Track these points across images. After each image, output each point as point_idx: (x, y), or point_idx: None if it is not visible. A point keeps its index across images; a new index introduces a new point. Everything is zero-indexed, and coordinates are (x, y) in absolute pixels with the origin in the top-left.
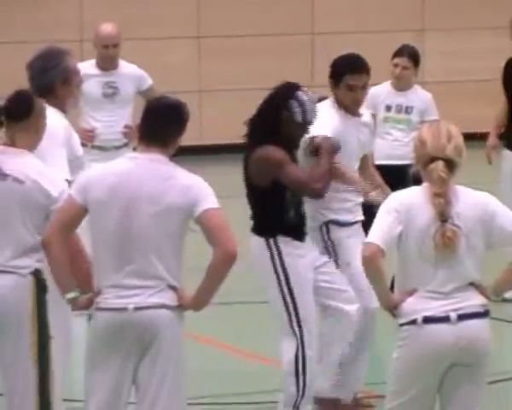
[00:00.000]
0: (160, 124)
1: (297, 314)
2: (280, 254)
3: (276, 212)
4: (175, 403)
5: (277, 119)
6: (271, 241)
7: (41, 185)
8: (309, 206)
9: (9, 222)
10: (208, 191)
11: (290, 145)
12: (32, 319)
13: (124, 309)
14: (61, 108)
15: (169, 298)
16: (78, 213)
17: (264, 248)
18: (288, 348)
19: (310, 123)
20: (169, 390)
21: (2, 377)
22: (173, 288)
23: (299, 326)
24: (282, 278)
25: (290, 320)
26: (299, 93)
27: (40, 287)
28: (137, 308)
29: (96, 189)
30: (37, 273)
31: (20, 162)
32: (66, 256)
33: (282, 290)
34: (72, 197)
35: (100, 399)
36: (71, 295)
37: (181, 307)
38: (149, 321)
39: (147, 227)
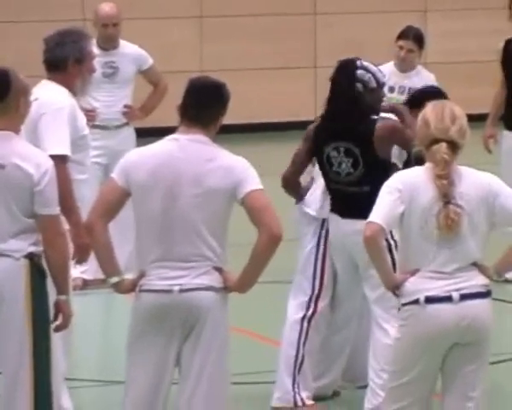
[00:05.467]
0: (201, 104)
1: None
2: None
3: None
4: (217, 383)
5: (355, 95)
6: None
7: (22, 168)
8: None
9: None
10: (251, 172)
11: (375, 114)
12: (26, 303)
13: (169, 291)
14: (70, 86)
15: (214, 280)
16: (120, 196)
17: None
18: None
19: (383, 84)
20: (213, 371)
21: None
22: (218, 269)
23: None
24: None
25: None
26: (359, 62)
27: (37, 270)
28: (182, 290)
29: (138, 171)
30: (32, 257)
31: (1, 146)
32: (109, 240)
33: None
34: (114, 180)
35: (142, 380)
36: (114, 279)
37: (226, 289)
38: (194, 303)
39: (190, 209)
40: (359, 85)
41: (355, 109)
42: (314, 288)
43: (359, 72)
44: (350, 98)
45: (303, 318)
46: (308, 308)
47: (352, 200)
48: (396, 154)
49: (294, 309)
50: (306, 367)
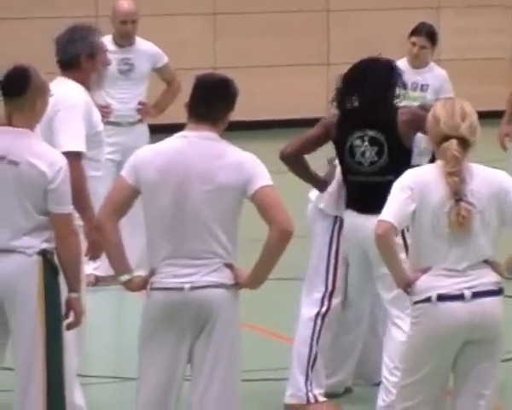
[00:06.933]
0: (208, 101)
1: None
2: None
3: None
4: (229, 381)
5: (381, 86)
6: None
7: (36, 166)
8: None
9: (5, 203)
10: (261, 168)
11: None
12: (39, 299)
13: (180, 289)
14: (85, 82)
15: (225, 277)
16: (130, 194)
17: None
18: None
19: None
20: (224, 368)
21: (12, 354)
22: (229, 266)
23: None
24: None
25: None
26: (385, 58)
27: (49, 267)
28: (193, 288)
29: (147, 169)
30: (44, 253)
31: (16, 143)
32: (119, 239)
33: None
34: (123, 178)
35: (154, 379)
36: (125, 277)
37: (237, 286)
38: (205, 300)
39: (200, 206)
40: (385, 81)
41: (381, 98)
42: (327, 285)
43: (386, 67)
44: (377, 89)
45: (317, 315)
46: (322, 305)
47: (373, 191)
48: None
49: (308, 306)
50: (319, 364)
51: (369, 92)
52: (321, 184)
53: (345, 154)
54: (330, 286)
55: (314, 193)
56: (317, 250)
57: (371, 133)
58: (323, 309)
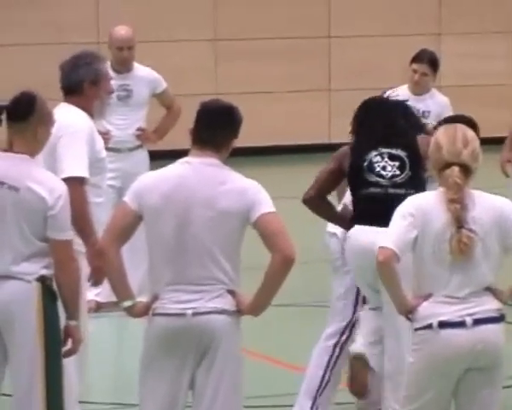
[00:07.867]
0: (213, 127)
1: None
2: None
3: None
4: (231, 408)
5: (392, 114)
6: None
7: (36, 192)
8: None
9: (5, 229)
10: (264, 195)
11: None
12: (38, 325)
13: (182, 315)
14: (87, 109)
15: (227, 303)
16: (133, 220)
17: None
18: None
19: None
20: (225, 395)
21: (10, 379)
22: (231, 292)
23: None
24: None
25: None
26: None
27: (48, 293)
28: (196, 314)
29: (151, 195)
30: (43, 280)
31: (16, 169)
32: (122, 265)
33: None
34: (126, 204)
35: (155, 405)
36: (127, 303)
37: (239, 313)
38: (207, 326)
39: (203, 232)
40: (398, 110)
41: (397, 121)
42: (353, 316)
43: (394, 99)
44: (389, 115)
45: (336, 344)
46: (343, 334)
47: (392, 204)
48: None
49: (328, 334)
50: (328, 393)
51: (384, 116)
52: (347, 224)
53: (362, 172)
54: (355, 318)
55: (336, 227)
56: (344, 282)
57: (391, 151)
58: (344, 338)
